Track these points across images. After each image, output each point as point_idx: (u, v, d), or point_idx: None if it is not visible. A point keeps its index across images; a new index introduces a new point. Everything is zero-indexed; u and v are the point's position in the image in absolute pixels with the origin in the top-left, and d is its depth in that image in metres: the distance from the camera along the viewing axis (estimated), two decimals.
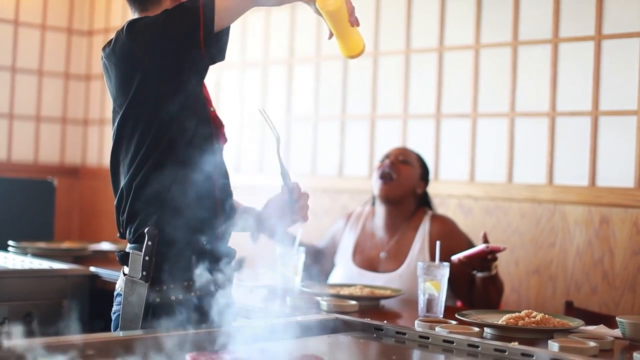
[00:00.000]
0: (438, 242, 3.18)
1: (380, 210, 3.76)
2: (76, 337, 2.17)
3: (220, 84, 5.45)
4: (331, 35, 2.72)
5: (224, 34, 2.50)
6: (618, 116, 3.80)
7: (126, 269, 2.56)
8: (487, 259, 3.25)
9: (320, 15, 2.65)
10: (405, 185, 3.71)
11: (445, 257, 3.26)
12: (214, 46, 2.47)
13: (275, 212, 2.70)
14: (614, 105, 3.82)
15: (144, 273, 2.48)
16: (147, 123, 2.51)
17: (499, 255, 3.30)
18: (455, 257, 3.28)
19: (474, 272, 3.36)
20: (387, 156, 3.77)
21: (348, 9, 2.63)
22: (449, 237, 3.59)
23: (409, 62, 4.56)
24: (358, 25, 2.67)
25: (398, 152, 3.80)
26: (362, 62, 4.75)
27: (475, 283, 3.42)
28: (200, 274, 2.53)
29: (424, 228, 3.67)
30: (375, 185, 3.73)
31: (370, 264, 3.70)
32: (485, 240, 3.26)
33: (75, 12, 6.30)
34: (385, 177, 3.69)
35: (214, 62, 2.52)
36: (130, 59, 2.50)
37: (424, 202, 3.80)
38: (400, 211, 3.73)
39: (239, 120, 5.33)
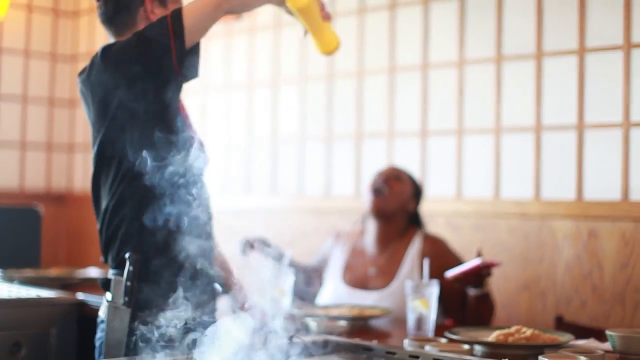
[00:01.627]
0: (426, 261, 3.18)
1: (371, 226, 3.76)
2: None
3: (206, 106, 5.44)
4: (306, 32, 2.74)
5: (195, 50, 2.51)
6: (603, 129, 3.80)
7: (109, 295, 2.54)
8: (481, 274, 3.24)
9: (293, 15, 2.68)
10: (396, 201, 3.71)
11: (437, 277, 3.25)
12: (186, 62, 2.47)
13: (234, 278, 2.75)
14: (599, 118, 3.82)
15: (127, 299, 2.47)
16: (127, 149, 2.50)
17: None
18: (449, 273, 3.27)
19: (468, 288, 3.34)
20: (379, 174, 3.79)
21: (319, 4, 2.65)
22: (440, 256, 3.59)
23: (394, 80, 4.56)
24: (330, 19, 2.70)
25: (390, 170, 3.82)
26: (346, 81, 4.76)
27: (467, 301, 3.41)
28: (184, 297, 2.52)
29: (415, 246, 3.67)
30: (366, 200, 3.74)
31: (359, 281, 3.70)
32: (479, 256, 3.25)
33: (59, 36, 6.29)
34: (377, 192, 3.70)
35: (187, 80, 2.53)
36: (106, 83, 2.51)
37: (415, 221, 3.80)
38: (391, 227, 3.73)
39: (225, 142, 5.32)
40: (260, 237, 3.72)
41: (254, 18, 5.22)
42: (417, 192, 3.81)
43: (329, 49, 2.77)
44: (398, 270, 3.63)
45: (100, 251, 2.66)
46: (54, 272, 4.50)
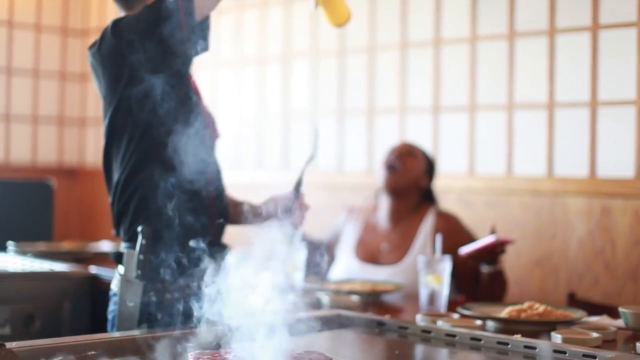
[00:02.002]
0: (438, 236, 3.19)
1: (384, 201, 3.76)
2: (75, 338, 2.17)
3: (217, 82, 5.44)
4: (317, 5, 2.73)
5: (206, 23, 2.51)
6: (616, 106, 3.79)
7: (121, 269, 2.55)
8: (495, 251, 3.24)
9: None
10: (409, 177, 3.71)
11: (450, 253, 3.25)
12: (197, 36, 2.47)
13: (278, 208, 2.72)
14: (612, 95, 3.81)
15: (139, 272, 2.48)
16: (137, 119, 2.50)
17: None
18: (463, 250, 3.27)
19: (481, 265, 3.34)
20: (392, 150, 3.78)
21: None
22: (454, 233, 3.59)
23: (406, 56, 4.55)
24: None
25: (403, 146, 3.82)
26: (358, 57, 4.75)
27: (480, 278, 3.41)
28: (195, 271, 2.53)
29: (428, 223, 3.67)
30: (380, 176, 3.74)
31: (372, 256, 3.70)
32: (493, 232, 3.25)
33: (70, 11, 6.29)
34: (390, 168, 3.70)
35: (198, 53, 2.52)
36: (117, 56, 2.51)
37: (429, 197, 3.80)
38: (404, 203, 3.73)
39: (236, 117, 5.32)
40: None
41: None
42: (430, 168, 3.81)
43: (341, 21, 2.75)
44: (411, 246, 3.63)
45: (112, 225, 2.66)
46: (66, 245, 4.51)
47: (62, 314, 3.63)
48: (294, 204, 2.73)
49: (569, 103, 3.93)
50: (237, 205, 2.82)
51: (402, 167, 3.70)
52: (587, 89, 3.86)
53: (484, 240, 3.23)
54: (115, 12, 2.77)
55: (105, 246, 4.52)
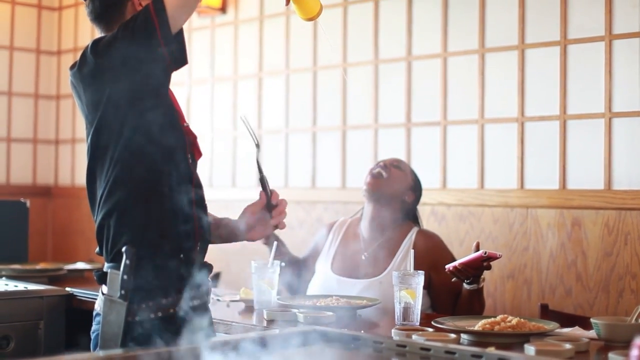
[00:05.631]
0: (412, 251, 3.20)
1: (368, 210, 3.75)
2: (54, 359, 2.17)
3: (191, 99, 5.46)
4: (288, 1, 2.76)
5: (180, 35, 2.53)
6: (586, 119, 3.83)
7: (105, 288, 2.56)
8: (481, 267, 3.23)
9: None
10: (394, 186, 3.70)
11: (430, 271, 3.25)
12: (173, 47, 2.49)
13: (254, 218, 2.76)
14: (581, 108, 3.85)
15: (123, 292, 2.48)
16: (120, 137, 2.52)
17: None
18: (450, 265, 3.26)
19: (465, 282, 3.32)
20: (381, 161, 3.80)
21: None
22: (434, 251, 3.60)
23: (378, 72, 4.58)
24: None
25: (392, 159, 3.83)
26: (331, 73, 4.77)
27: (460, 296, 3.41)
28: (179, 290, 2.54)
29: (410, 240, 3.66)
30: (364, 182, 3.73)
31: (350, 270, 3.68)
32: (478, 250, 3.23)
33: (43, 32, 6.28)
34: (376, 174, 3.71)
35: (177, 65, 2.54)
36: (97, 76, 2.52)
37: (414, 217, 3.80)
38: (387, 213, 3.71)
39: (210, 135, 5.34)
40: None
41: (238, 11, 5.23)
42: (416, 186, 3.79)
43: (311, 15, 2.76)
44: (391, 262, 3.63)
45: (90, 245, 2.67)
46: (42, 265, 4.50)
47: (37, 334, 3.63)
48: (270, 204, 2.78)
49: (539, 117, 3.97)
50: (219, 223, 2.83)
51: (387, 175, 3.70)
52: (557, 102, 3.91)
53: (472, 255, 3.21)
54: (88, 33, 2.79)
55: (81, 266, 4.52)
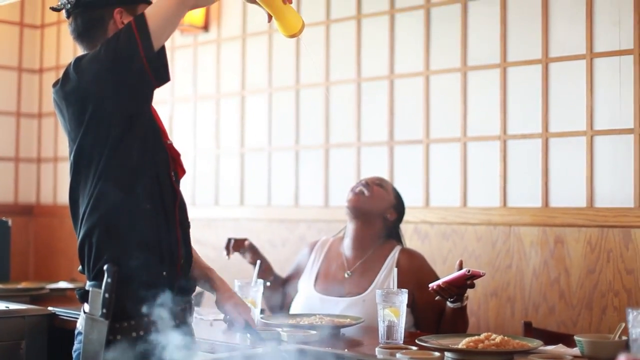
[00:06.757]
0: (395, 270, 3.20)
1: (350, 228, 3.75)
2: None
3: (173, 117, 5.45)
4: (270, 18, 2.77)
5: (163, 53, 2.53)
6: (568, 137, 3.85)
7: (86, 307, 2.55)
8: (465, 285, 3.22)
9: (254, 2, 2.71)
10: (376, 204, 3.71)
11: (413, 290, 3.24)
12: (156, 64, 2.49)
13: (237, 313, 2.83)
14: (563, 126, 3.87)
15: (104, 310, 2.48)
16: (102, 154, 2.52)
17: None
18: (433, 284, 3.26)
19: (449, 300, 3.31)
20: (363, 179, 3.80)
21: None
22: (418, 270, 3.60)
23: (361, 91, 4.59)
24: (291, 2, 2.73)
25: (375, 177, 3.84)
26: (314, 91, 4.78)
27: (444, 314, 3.41)
28: (161, 308, 2.53)
29: (393, 258, 3.65)
30: (347, 200, 3.73)
31: (333, 288, 3.68)
32: (461, 268, 3.23)
33: (25, 50, 6.27)
34: (357, 191, 3.71)
35: (159, 83, 2.54)
36: (80, 93, 2.52)
37: (396, 234, 3.80)
38: (369, 230, 3.71)
39: (193, 153, 5.33)
40: (247, 239, 3.85)
41: (220, 29, 5.24)
42: (398, 204, 3.79)
43: (294, 31, 2.77)
44: (374, 279, 3.62)
45: (72, 264, 2.66)
46: (23, 284, 4.48)
47: (19, 354, 3.61)
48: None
49: (521, 135, 3.98)
50: (206, 277, 2.88)
51: (369, 193, 3.71)
52: (539, 120, 3.92)
53: (455, 273, 3.21)
54: (71, 51, 2.79)
55: (63, 285, 4.50)
